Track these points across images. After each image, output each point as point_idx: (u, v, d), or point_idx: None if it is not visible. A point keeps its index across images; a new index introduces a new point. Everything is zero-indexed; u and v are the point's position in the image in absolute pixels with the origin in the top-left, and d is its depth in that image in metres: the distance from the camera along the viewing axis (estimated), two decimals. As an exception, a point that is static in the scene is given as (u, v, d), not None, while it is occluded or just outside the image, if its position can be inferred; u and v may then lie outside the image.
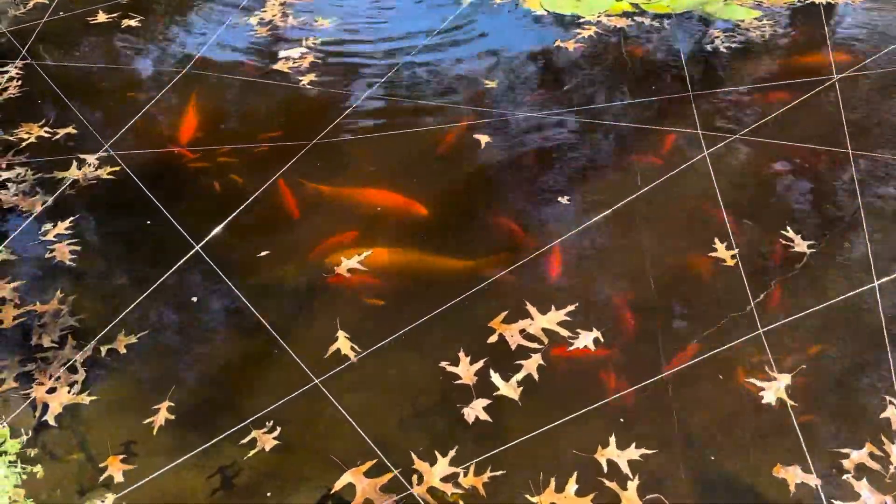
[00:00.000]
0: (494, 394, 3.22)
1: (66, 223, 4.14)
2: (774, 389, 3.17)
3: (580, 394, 3.23)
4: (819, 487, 2.86)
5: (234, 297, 3.70)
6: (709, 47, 5.47)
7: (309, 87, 5.16)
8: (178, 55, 5.63)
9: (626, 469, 2.93)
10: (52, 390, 3.35)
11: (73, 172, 4.49)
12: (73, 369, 3.43)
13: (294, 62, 5.45)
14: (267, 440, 3.09)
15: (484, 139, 4.57)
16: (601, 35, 5.67)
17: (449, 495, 2.88)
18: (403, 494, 2.91)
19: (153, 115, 4.93)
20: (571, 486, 2.88)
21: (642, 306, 3.57)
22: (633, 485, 2.88)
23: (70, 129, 4.87)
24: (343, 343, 3.44)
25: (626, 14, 5.93)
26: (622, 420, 3.10)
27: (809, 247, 3.80)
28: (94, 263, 3.96)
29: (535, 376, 3.27)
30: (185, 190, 4.37)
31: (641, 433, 3.06)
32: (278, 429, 3.13)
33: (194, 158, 4.56)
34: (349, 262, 3.81)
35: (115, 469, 3.04)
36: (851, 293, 3.57)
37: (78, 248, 4.01)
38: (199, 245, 3.90)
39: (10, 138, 4.78)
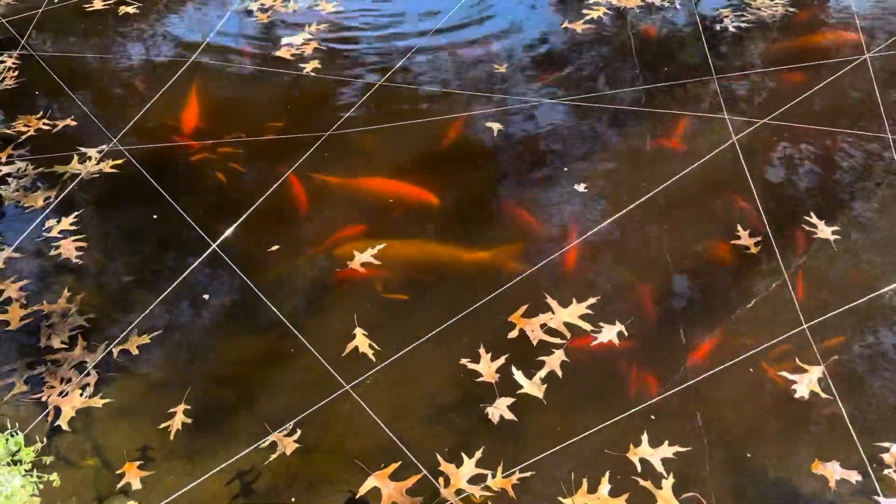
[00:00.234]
0: (518, 392, 3.13)
1: (71, 219, 4.04)
2: (807, 382, 3.10)
3: (606, 390, 3.16)
4: (860, 483, 2.79)
5: (247, 293, 3.61)
6: (720, 27, 5.33)
7: (313, 74, 5.03)
8: (178, 43, 5.51)
9: (659, 467, 2.86)
10: (63, 394, 3.26)
11: (75, 166, 4.37)
12: (84, 371, 3.34)
13: (297, 49, 5.32)
14: (288, 443, 3.01)
15: (496, 126, 4.47)
16: (610, 16, 5.54)
17: (477, 498, 2.80)
18: (431, 498, 2.82)
19: (154, 106, 4.81)
20: (604, 486, 2.81)
21: (665, 297, 3.50)
22: (667, 483, 2.81)
23: (69, 121, 4.75)
24: (361, 341, 3.35)
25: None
26: (653, 417, 3.03)
27: (834, 233, 3.71)
28: (102, 260, 3.87)
29: (559, 373, 3.19)
30: (190, 183, 4.27)
31: (673, 430, 2.99)
32: (298, 431, 3.05)
33: (198, 150, 4.46)
34: (362, 256, 3.72)
35: (133, 475, 2.97)
36: (884, 281, 3.48)
37: (84, 244, 3.92)
38: (216, 243, 3.79)
39: (9, 131, 4.66)
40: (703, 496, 2.78)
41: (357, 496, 2.85)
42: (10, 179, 4.30)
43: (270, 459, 2.99)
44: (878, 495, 2.76)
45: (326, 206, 4.05)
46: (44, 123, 4.74)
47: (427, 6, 5.74)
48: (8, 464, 2.85)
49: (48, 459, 3.00)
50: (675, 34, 5.32)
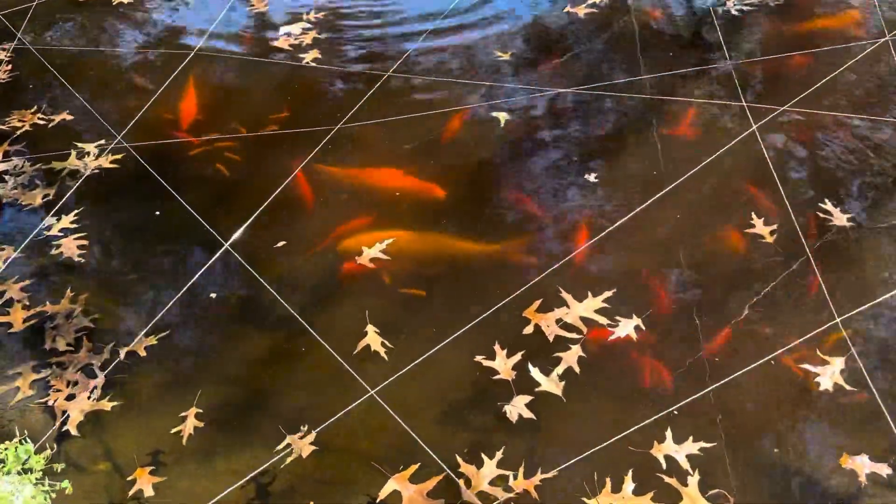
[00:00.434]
0: (536, 389, 3.07)
1: (71, 216, 3.95)
2: (829, 374, 3.05)
3: (626, 386, 3.11)
4: (890, 476, 2.74)
5: (256, 291, 3.55)
6: (734, 10, 5.17)
7: (313, 64, 4.93)
8: (175, 33, 5.40)
9: (685, 464, 2.82)
10: (70, 397, 3.20)
11: (74, 162, 4.28)
12: (91, 374, 3.28)
13: (295, 38, 5.22)
14: (303, 445, 2.96)
15: (503, 116, 4.39)
16: None
17: (500, 500, 2.74)
18: (453, 500, 2.77)
19: (153, 99, 4.70)
20: (628, 484, 2.76)
21: (681, 288, 3.44)
22: (693, 480, 2.76)
23: (65, 115, 4.65)
24: (373, 339, 3.29)
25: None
26: (675, 413, 2.98)
27: (849, 220, 3.65)
28: (104, 259, 3.80)
29: (577, 369, 3.14)
30: (192, 177, 4.17)
31: (696, 426, 2.94)
32: (313, 433, 2.99)
33: (198, 144, 4.37)
34: (371, 252, 3.65)
35: (145, 482, 2.91)
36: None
37: (85, 242, 3.84)
38: (229, 242, 3.72)
39: (4, 127, 4.56)
40: (728, 493, 2.73)
41: (377, 500, 2.79)
42: (7, 177, 4.21)
43: (286, 462, 2.93)
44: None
45: (332, 200, 3.98)
46: (39, 118, 4.63)
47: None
48: (18, 472, 2.78)
49: (59, 467, 2.93)
50: (685, 18, 5.22)
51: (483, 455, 2.88)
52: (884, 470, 2.76)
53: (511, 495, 2.77)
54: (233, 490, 2.87)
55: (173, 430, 3.05)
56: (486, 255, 3.67)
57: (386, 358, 3.24)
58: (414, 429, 3.00)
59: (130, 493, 2.88)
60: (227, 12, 5.51)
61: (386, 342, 3.29)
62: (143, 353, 3.33)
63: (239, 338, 3.41)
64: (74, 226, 3.91)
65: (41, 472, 2.86)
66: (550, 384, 3.08)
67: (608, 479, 2.79)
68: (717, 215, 3.75)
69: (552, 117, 4.40)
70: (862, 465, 2.78)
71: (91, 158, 4.30)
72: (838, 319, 3.23)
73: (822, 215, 3.69)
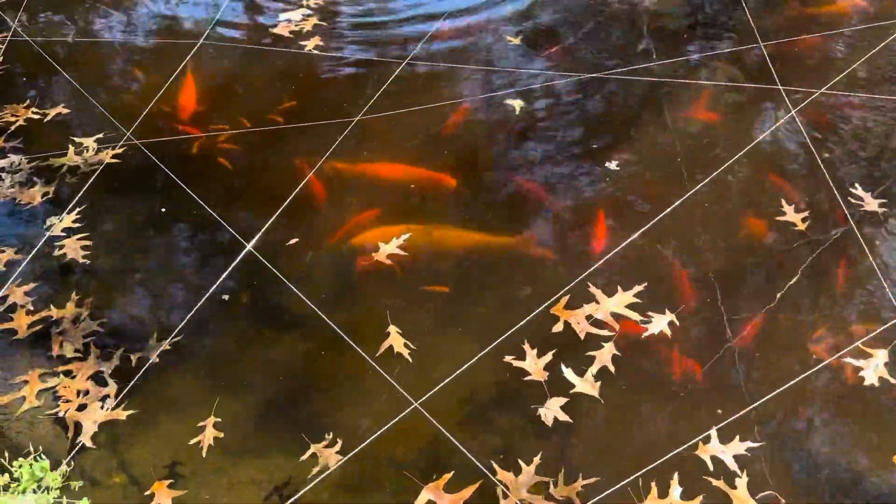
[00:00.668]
0: (571, 391, 2.95)
1: (74, 215, 3.79)
2: (874, 367, 2.94)
3: (664, 385, 3.00)
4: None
5: (271, 291, 3.40)
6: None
7: (316, 52, 4.76)
8: (173, 22, 5.22)
9: (732, 465, 2.70)
10: (82, 407, 3.05)
11: (72, 157, 4.12)
12: (101, 382, 3.13)
13: (295, 25, 5.05)
14: (329, 454, 2.83)
15: (518, 104, 4.24)
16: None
17: (540, 508, 2.63)
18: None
19: (152, 91, 4.52)
20: (675, 488, 2.65)
21: (713, 280, 3.32)
22: (742, 482, 2.66)
23: (61, 109, 4.47)
24: (396, 339, 3.16)
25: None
26: (720, 411, 2.85)
27: (881, 205, 3.54)
28: (111, 259, 3.64)
29: (611, 368, 3.01)
30: (197, 172, 4.00)
31: (741, 425, 2.81)
32: (339, 441, 2.85)
33: (203, 137, 4.20)
34: (388, 247, 3.52)
35: (164, 496, 2.78)
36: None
37: (89, 242, 3.67)
38: (251, 244, 3.56)
39: (-3, 122, 4.39)
40: (778, 494, 2.62)
41: (412, 511, 2.67)
42: (3, 175, 4.03)
43: (312, 473, 2.79)
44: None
45: (344, 194, 3.83)
46: (33, 112, 4.45)
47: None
48: (34, 491, 2.63)
49: (76, 485, 2.78)
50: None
51: (520, 461, 2.75)
52: (941, 469, 2.65)
53: (552, 503, 2.64)
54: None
55: (192, 441, 2.90)
56: (505, 247, 3.55)
57: (410, 360, 3.10)
58: (444, 434, 2.86)
59: (150, 508, 2.75)
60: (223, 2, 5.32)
61: (409, 343, 3.15)
62: (155, 360, 3.18)
63: (256, 340, 3.27)
64: (77, 225, 3.75)
65: (58, 491, 2.71)
66: (586, 385, 2.96)
67: (653, 484, 2.67)
68: (745, 203, 3.63)
69: (570, 104, 4.25)
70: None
71: (90, 153, 4.13)
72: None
73: (853, 201, 3.57)
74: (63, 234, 3.71)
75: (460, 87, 4.41)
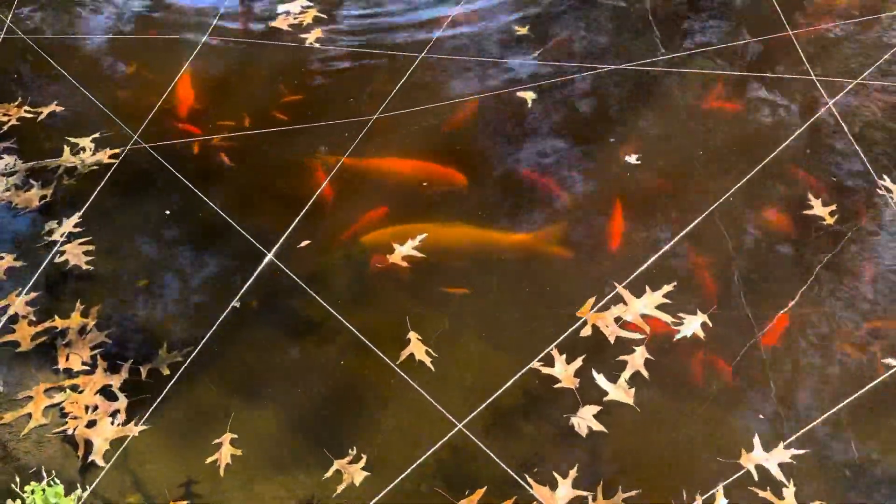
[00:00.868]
0: (604, 399, 2.83)
1: (74, 219, 3.63)
2: (913, 365, 2.83)
3: (699, 389, 2.88)
4: None
5: (288, 297, 3.26)
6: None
7: (317, 45, 4.61)
8: (169, 14, 5.04)
9: (778, 474, 2.59)
10: (91, 424, 2.91)
11: (69, 158, 3.96)
12: (111, 396, 2.99)
13: (294, 18, 4.89)
14: (355, 471, 2.70)
15: (529, 96, 4.10)
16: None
17: (579, 526, 2.51)
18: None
19: (152, 88, 4.36)
20: (720, 500, 2.52)
21: (741, 277, 3.20)
22: (789, 492, 2.54)
23: (54, 107, 4.30)
24: (417, 346, 3.03)
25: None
26: (761, 417, 2.74)
27: (912, 199, 3.43)
28: (115, 265, 3.49)
29: (645, 373, 2.89)
30: (201, 171, 3.85)
31: (785, 430, 2.71)
32: (364, 457, 2.73)
33: (206, 136, 4.04)
34: (403, 249, 3.38)
35: (181, 517, 2.63)
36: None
37: (92, 247, 3.52)
38: (272, 253, 3.42)
39: (-12, 122, 4.22)
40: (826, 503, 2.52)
41: (446, 533, 2.55)
42: (-2, 178, 3.88)
43: (338, 492, 2.66)
44: None
45: (355, 193, 3.69)
46: (25, 111, 4.28)
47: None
48: (47, 519, 2.50)
49: (90, 507, 2.65)
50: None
51: (555, 474, 2.63)
52: None
53: (591, 519, 2.53)
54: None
55: (209, 460, 2.77)
56: (523, 246, 3.43)
57: (433, 368, 2.97)
58: (473, 447, 2.74)
59: (168, 532, 2.62)
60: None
61: (430, 350, 3.02)
62: (166, 372, 3.05)
63: (271, 350, 3.14)
64: (78, 229, 3.60)
65: (72, 517, 2.58)
66: (619, 392, 2.84)
67: (698, 496, 2.55)
68: (771, 196, 3.52)
69: (585, 96, 4.12)
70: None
71: (88, 154, 3.97)
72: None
73: (882, 192, 3.46)
74: (64, 239, 3.56)
75: (470, 79, 4.26)
